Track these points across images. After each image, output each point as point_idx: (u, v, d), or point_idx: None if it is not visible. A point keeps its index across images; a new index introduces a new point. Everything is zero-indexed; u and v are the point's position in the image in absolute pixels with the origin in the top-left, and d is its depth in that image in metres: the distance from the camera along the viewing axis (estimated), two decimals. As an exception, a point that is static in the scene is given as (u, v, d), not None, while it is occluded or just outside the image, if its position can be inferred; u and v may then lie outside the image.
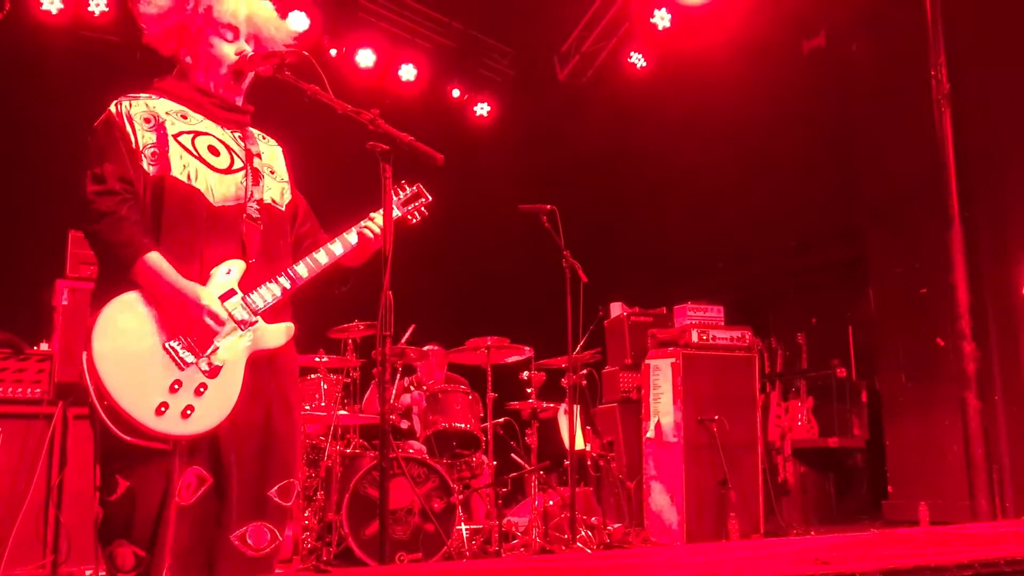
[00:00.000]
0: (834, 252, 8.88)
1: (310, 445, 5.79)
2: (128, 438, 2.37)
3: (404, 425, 6.48)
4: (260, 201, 2.71)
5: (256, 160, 2.77)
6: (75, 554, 4.74)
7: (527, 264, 8.44)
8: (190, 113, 2.71)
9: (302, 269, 2.72)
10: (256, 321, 2.61)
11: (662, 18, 8.83)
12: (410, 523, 5.29)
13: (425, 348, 6.80)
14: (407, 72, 9.38)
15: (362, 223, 2.89)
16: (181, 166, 2.58)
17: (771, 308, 9.50)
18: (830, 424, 8.01)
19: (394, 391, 6.26)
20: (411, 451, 5.86)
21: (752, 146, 8.82)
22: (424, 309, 6.29)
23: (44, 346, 5.23)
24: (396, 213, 2.96)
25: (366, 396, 6.74)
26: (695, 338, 6.58)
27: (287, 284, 2.68)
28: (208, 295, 2.52)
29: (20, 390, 4.89)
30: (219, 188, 2.64)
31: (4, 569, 4.55)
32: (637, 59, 9.45)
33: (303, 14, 8.15)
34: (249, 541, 2.51)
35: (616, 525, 6.37)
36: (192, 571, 2.44)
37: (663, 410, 6.49)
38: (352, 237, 2.86)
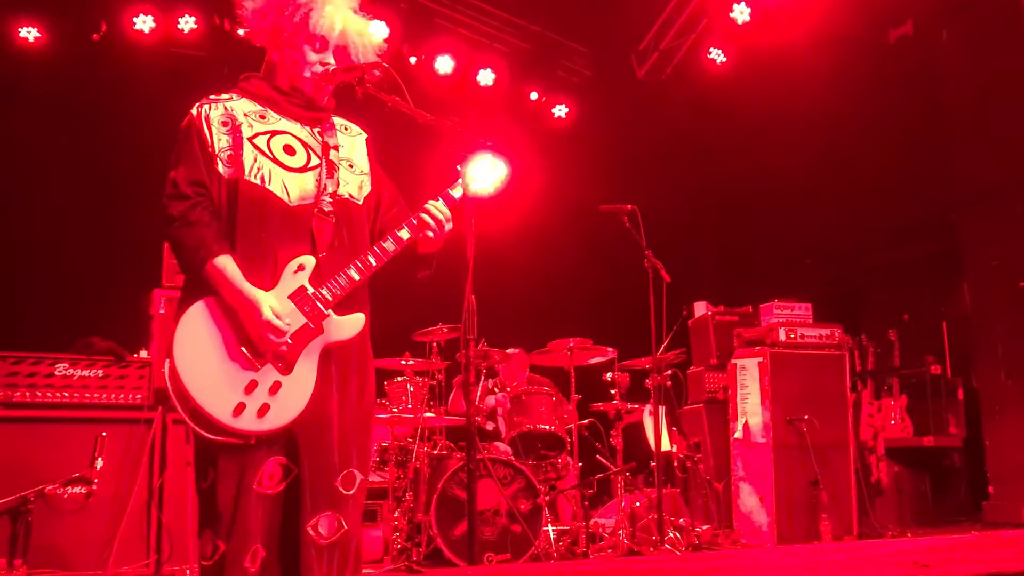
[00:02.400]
0: (926, 246, 8.59)
1: (398, 447, 5.89)
2: (212, 436, 2.49)
3: (489, 427, 6.53)
4: (334, 194, 2.73)
5: (332, 153, 2.80)
6: (176, 554, 4.92)
7: (609, 265, 8.41)
8: (269, 113, 2.77)
9: (371, 259, 2.73)
10: (327, 315, 2.65)
11: (741, 12, 8.66)
12: (497, 524, 5.33)
13: (508, 351, 6.83)
14: (485, 77, 9.43)
15: (429, 202, 2.85)
16: (255, 169, 2.65)
17: (861, 305, 9.25)
18: (925, 423, 7.77)
19: (478, 393, 6.31)
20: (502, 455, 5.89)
21: (838, 139, 8.61)
22: (506, 311, 6.32)
23: (144, 353, 5.44)
24: (458, 192, 2.88)
25: (451, 398, 6.81)
26: (782, 337, 6.45)
27: (356, 275, 2.69)
28: (271, 303, 2.57)
29: (122, 396, 5.10)
30: (294, 188, 2.68)
31: (111, 568, 4.75)
32: (717, 55, 9.29)
33: (383, 23, 8.28)
34: (321, 530, 2.57)
35: (704, 527, 6.30)
36: (275, 557, 2.53)
37: (751, 410, 6.40)
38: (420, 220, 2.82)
